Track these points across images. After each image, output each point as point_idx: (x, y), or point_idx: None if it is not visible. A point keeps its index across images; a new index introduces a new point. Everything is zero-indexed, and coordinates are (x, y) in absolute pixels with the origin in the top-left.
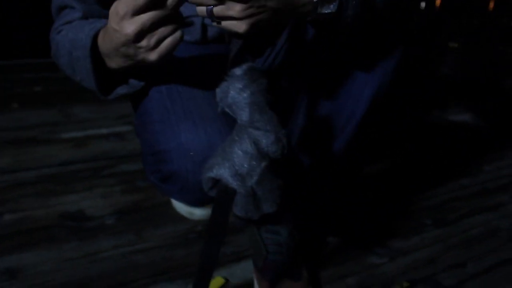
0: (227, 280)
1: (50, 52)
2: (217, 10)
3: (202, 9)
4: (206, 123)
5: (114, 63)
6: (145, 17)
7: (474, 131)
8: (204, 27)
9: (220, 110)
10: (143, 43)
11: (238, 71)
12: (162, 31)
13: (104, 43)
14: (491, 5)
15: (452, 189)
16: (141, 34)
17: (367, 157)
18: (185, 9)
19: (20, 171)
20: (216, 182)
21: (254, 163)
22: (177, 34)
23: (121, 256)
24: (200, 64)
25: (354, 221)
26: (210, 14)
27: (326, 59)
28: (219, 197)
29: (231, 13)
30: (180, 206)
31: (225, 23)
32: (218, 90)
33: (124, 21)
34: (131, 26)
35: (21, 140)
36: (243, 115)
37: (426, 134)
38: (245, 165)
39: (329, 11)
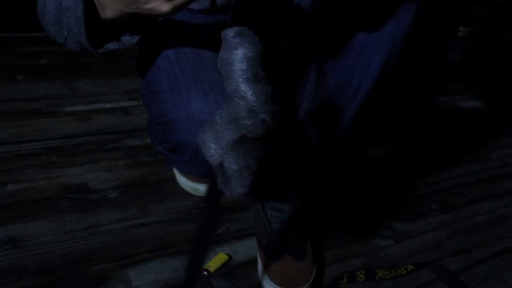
0: (230, 257)
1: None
2: None
3: None
4: (216, 92)
5: (111, 11)
6: None
7: (483, 117)
8: None
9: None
10: None
11: (228, 33)
12: None
13: None
14: None
15: (459, 174)
16: None
17: (371, 137)
18: None
19: (25, 142)
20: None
21: (225, 134)
22: None
23: (123, 229)
24: (208, 32)
25: (361, 203)
26: None
27: (332, 26)
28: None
29: None
30: (184, 182)
31: None
32: (221, 55)
33: None
34: None
35: (26, 112)
36: (229, 83)
37: (435, 119)
38: (219, 135)
39: None
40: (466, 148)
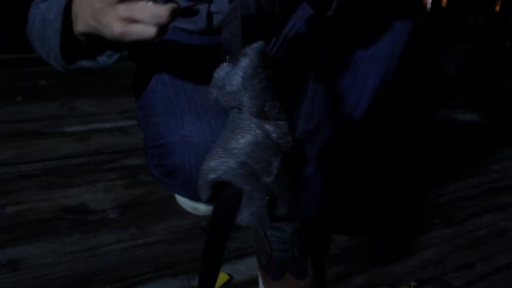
0: (231, 277)
1: None
2: None
3: None
4: (210, 116)
5: (80, 23)
6: None
7: (482, 130)
8: (209, 15)
9: (213, 97)
10: (122, 6)
11: (250, 50)
12: (143, 13)
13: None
14: (498, 5)
15: (460, 188)
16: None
17: (371, 153)
18: None
19: (23, 164)
20: (217, 188)
21: (271, 157)
22: (151, 30)
23: (123, 250)
24: (204, 54)
25: (361, 220)
26: None
27: (327, 46)
28: (222, 206)
29: None
30: (183, 201)
31: None
32: (218, 74)
33: None
34: None
35: (24, 133)
36: (254, 102)
37: (433, 133)
38: (261, 161)
39: None
40: (465, 162)
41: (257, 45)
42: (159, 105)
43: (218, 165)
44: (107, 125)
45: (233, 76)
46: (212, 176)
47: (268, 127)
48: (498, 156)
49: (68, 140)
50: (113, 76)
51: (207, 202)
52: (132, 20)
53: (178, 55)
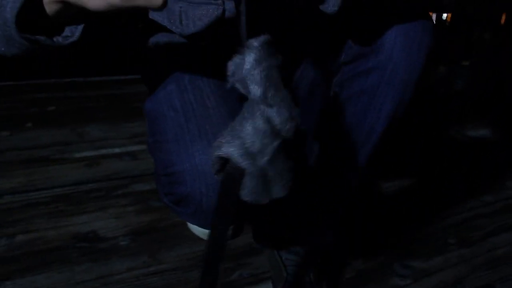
0: None
1: (62, 72)
2: None
3: None
4: None
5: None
6: None
7: (494, 146)
8: None
9: (229, 85)
10: None
11: (255, 42)
12: None
13: None
14: (503, 19)
15: (475, 206)
16: None
17: (384, 172)
18: (200, 23)
19: (33, 191)
20: (224, 164)
21: (267, 140)
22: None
23: (135, 278)
24: (216, 80)
25: (376, 241)
26: None
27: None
28: (226, 179)
29: None
30: (195, 227)
31: None
32: (230, 63)
33: None
34: None
35: (34, 160)
36: (257, 90)
37: (445, 150)
38: (257, 143)
39: None
40: (479, 179)
41: (262, 37)
42: (170, 132)
43: (223, 144)
44: (117, 150)
45: (241, 66)
46: (216, 152)
47: (270, 113)
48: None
49: (78, 166)
50: (122, 100)
51: (215, 174)
52: None
53: (189, 77)
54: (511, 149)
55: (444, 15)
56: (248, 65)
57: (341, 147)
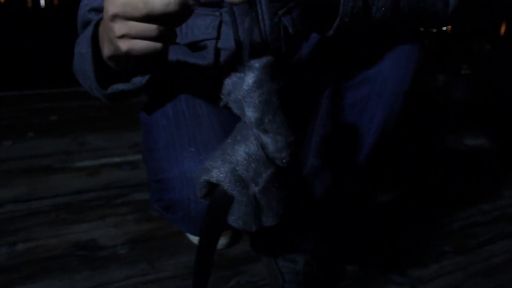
0: None
1: (63, 83)
2: None
3: None
4: (209, 152)
5: (104, 49)
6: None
7: (491, 155)
8: (217, 50)
9: (222, 104)
10: (116, 25)
11: (256, 63)
12: (140, 28)
13: (100, 27)
14: (503, 29)
15: (471, 214)
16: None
17: (380, 181)
18: (198, 32)
19: (34, 200)
20: (212, 187)
21: (260, 169)
22: (156, 45)
23: (133, 286)
24: (209, 89)
25: (372, 249)
26: None
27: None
28: (214, 204)
29: None
30: (194, 236)
31: None
32: (227, 81)
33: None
34: (113, 6)
35: (36, 169)
36: (254, 114)
37: (442, 159)
38: (250, 171)
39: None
40: (476, 187)
41: (264, 59)
42: (162, 139)
43: (212, 167)
44: (117, 159)
45: (239, 86)
46: (204, 177)
47: (265, 139)
48: (508, 181)
49: (79, 175)
50: (123, 110)
51: (202, 198)
52: (133, 37)
53: (184, 88)
54: (508, 157)
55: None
56: (246, 87)
57: (334, 158)
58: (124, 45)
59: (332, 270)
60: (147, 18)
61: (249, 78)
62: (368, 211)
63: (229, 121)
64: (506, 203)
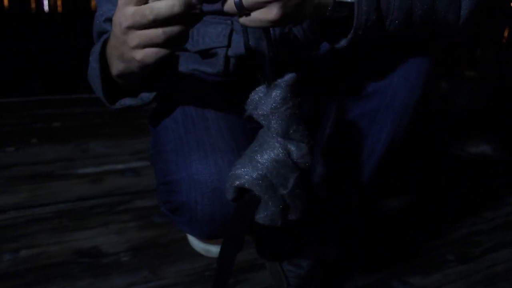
0: None
1: (67, 89)
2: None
3: (230, 4)
4: (217, 155)
5: (114, 67)
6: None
7: (495, 162)
8: (227, 59)
9: (246, 115)
10: (130, 37)
11: (283, 82)
12: (151, 35)
13: (108, 45)
14: (506, 34)
15: (474, 222)
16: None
17: (384, 189)
18: (209, 40)
19: (37, 207)
20: (241, 191)
21: (288, 173)
22: (162, 51)
23: None
24: (218, 95)
25: (374, 257)
26: (239, 6)
27: (346, 93)
28: (243, 207)
29: None
30: (196, 243)
31: (255, 14)
32: (253, 96)
33: (119, 11)
34: (124, 19)
35: (38, 175)
36: (280, 127)
37: (446, 166)
38: (280, 176)
39: (341, 14)
40: (479, 195)
41: (288, 77)
42: (170, 143)
43: (243, 174)
44: (120, 166)
45: (266, 101)
46: (237, 182)
47: (290, 147)
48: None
49: (82, 182)
50: (126, 117)
51: (232, 201)
52: (145, 45)
53: (194, 95)
54: (510, 165)
55: None
56: (274, 103)
57: (343, 167)
58: (138, 55)
59: (336, 276)
60: (155, 23)
61: (277, 96)
62: (373, 219)
63: (237, 127)
64: (509, 210)
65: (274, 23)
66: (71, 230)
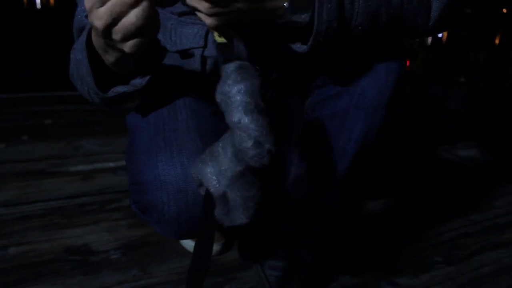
0: None
1: (60, 86)
2: (189, 0)
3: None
4: (183, 155)
5: (108, 56)
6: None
7: (483, 165)
8: (203, 59)
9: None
10: (113, 36)
11: (229, 67)
12: (123, 23)
13: (93, 38)
14: (497, 38)
15: (462, 225)
16: (108, 29)
17: (370, 190)
18: (186, 41)
19: (27, 204)
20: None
21: (230, 165)
22: (136, 16)
23: None
24: (194, 94)
25: (362, 258)
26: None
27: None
28: (205, 203)
29: (201, 8)
30: (186, 242)
31: (200, 14)
32: (217, 90)
33: (91, 15)
34: (98, 21)
35: (29, 173)
36: (231, 115)
37: (434, 169)
38: (224, 166)
39: (301, 20)
40: (467, 198)
41: (235, 63)
42: (141, 143)
43: (200, 161)
44: (111, 164)
45: (221, 90)
46: (193, 173)
47: (239, 137)
48: (500, 191)
49: (73, 180)
50: (117, 115)
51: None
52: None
53: (169, 93)
54: (499, 169)
55: (440, 34)
56: (223, 90)
57: (316, 168)
58: (127, 47)
59: (323, 277)
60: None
61: (224, 82)
62: (359, 220)
63: (207, 126)
64: (497, 213)
65: (216, 28)
66: (61, 227)
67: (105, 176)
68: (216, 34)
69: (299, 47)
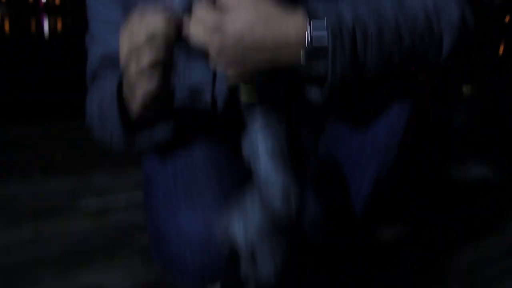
0: None
1: (66, 116)
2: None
3: None
4: (205, 209)
5: (135, 106)
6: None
7: (496, 184)
8: (214, 95)
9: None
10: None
11: (255, 117)
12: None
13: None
14: (501, 49)
15: (478, 249)
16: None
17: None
18: (195, 75)
19: (40, 243)
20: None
21: (260, 222)
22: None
23: None
24: (208, 135)
25: (374, 286)
26: None
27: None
28: (229, 260)
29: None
30: None
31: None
32: (243, 143)
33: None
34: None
35: (41, 211)
36: (260, 173)
37: (445, 189)
38: (252, 222)
39: (316, 73)
40: (483, 219)
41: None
42: (160, 191)
43: (228, 221)
44: (123, 199)
45: (245, 143)
46: (223, 230)
47: (267, 196)
48: None
49: (85, 217)
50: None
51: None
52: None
53: (185, 138)
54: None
55: None
56: (250, 143)
57: (331, 207)
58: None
59: None
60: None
61: (251, 136)
62: (371, 248)
63: (227, 173)
64: None
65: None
66: (75, 268)
67: (118, 212)
68: (242, 91)
69: (314, 97)
